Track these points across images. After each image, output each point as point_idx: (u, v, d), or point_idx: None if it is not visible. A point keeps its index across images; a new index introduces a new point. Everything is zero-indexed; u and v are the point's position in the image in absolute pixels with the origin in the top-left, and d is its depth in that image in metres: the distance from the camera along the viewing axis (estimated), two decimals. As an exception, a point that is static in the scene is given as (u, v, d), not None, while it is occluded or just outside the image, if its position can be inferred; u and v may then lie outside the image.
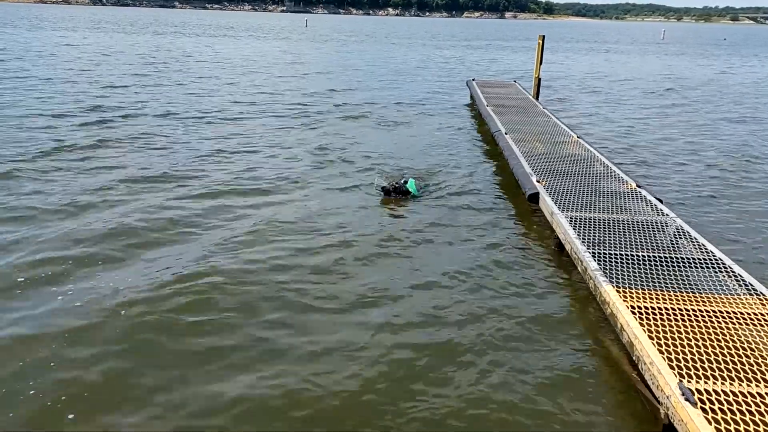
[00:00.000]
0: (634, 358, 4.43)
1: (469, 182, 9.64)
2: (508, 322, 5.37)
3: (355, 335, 5.05)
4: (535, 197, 7.83)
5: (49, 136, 11.45)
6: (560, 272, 6.43)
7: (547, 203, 7.39)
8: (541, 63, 16.95)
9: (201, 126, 13.27)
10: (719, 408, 3.59)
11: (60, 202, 7.84)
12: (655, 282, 5.28)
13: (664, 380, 3.87)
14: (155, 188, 8.66)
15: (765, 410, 3.58)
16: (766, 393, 3.75)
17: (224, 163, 10.26)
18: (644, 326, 4.51)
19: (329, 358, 4.72)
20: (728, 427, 3.42)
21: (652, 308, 4.80)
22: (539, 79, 17.06)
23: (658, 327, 4.51)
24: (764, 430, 3.41)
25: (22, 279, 5.76)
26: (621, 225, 6.67)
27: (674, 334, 4.42)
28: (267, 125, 13.71)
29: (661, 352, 4.17)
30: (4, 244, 6.49)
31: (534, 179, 8.24)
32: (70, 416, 3.98)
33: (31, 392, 4.16)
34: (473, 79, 20.20)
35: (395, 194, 8.51)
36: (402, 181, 8.82)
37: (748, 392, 3.75)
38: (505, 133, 11.15)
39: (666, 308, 4.81)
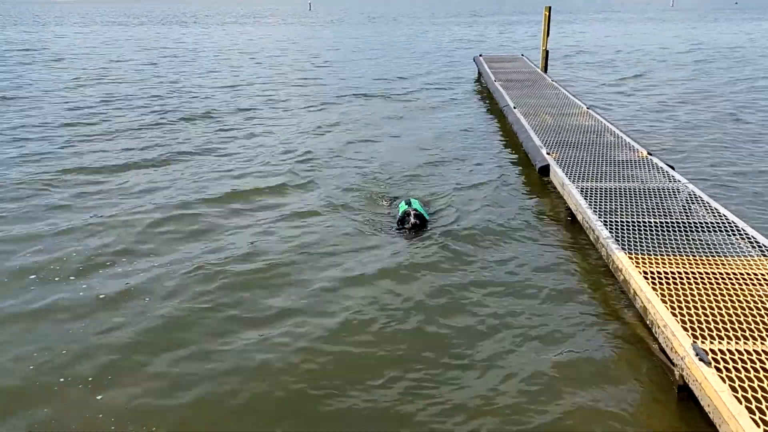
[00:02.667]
0: (647, 322, 4.46)
1: (479, 158, 9.64)
2: (521, 292, 5.42)
3: (364, 306, 5.15)
4: (545, 170, 7.83)
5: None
6: (573, 242, 6.46)
7: (558, 175, 7.39)
8: (548, 35, 16.80)
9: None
10: (734, 367, 3.62)
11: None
12: (667, 247, 5.29)
13: (678, 342, 3.90)
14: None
15: (778, 367, 3.62)
16: (780, 350, 3.78)
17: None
18: (657, 291, 4.54)
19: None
20: (743, 384, 3.46)
21: (665, 273, 4.82)
22: (547, 52, 16.92)
23: (671, 291, 4.53)
24: (778, 386, 3.45)
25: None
26: (632, 193, 6.67)
27: (687, 297, 4.45)
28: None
29: (674, 315, 4.20)
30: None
31: (544, 152, 8.23)
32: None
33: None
34: (480, 55, 20.06)
35: (419, 224, 6.72)
36: (404, 208, 6.95)
37: (762, 350, 3.78)
38: (514, 108, 11.12)
39: (679, 272, 4.83)
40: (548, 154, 8.14)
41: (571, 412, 3.92)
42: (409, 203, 7.07)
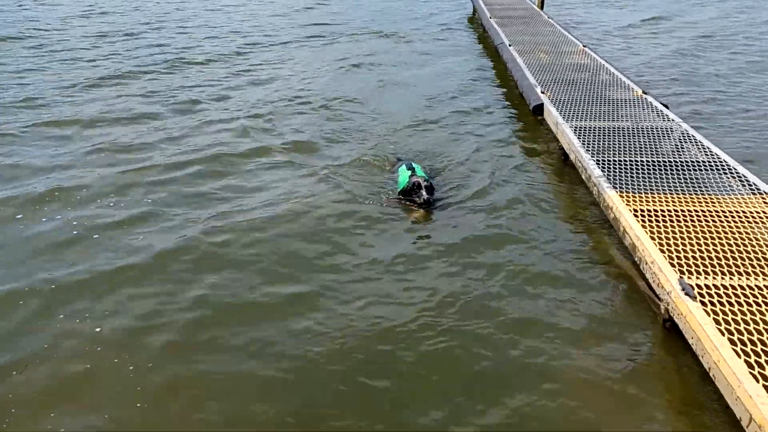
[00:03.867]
0: (636, 259, 4.53)
1: (472, 97, 9.52)
2: (510, 234, 5.44)
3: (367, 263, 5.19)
4: (539, 108, 7.77)
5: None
6: (565, 181, 6.47)
7: (551, 114, 7.33)
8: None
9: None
10: (718, 301, 3.71)
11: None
12: (658, 185, 5.32)
13: (665, 277, 3.97)
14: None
15: (761, 300, 3.70)
16: (764, 285, 3.86)
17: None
18: (646, 228, 4.59)
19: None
20: (726, 317, 3.55)
21: (655, 210, 4.86)
22: (544, -12, 16.48)
23: (660, 228, 4.59)
24: (761, 318, 3.54)
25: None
26: (625, 132, 6.65)
27: (676, 234, 4.50)
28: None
29: (662, 251, 4.27)
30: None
31: (538, 90, 8.14)
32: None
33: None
34: (475, -9, 19.52)
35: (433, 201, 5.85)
36: (406, 175, 6.10)
37: (747, 285, 3.87)
38: (509, 45, 10.92)
39: (668, 210, 4.87)
40: (542, 92, 8.06)
41: (558, 347, 4.00)
42: (411, 168, 6.17)
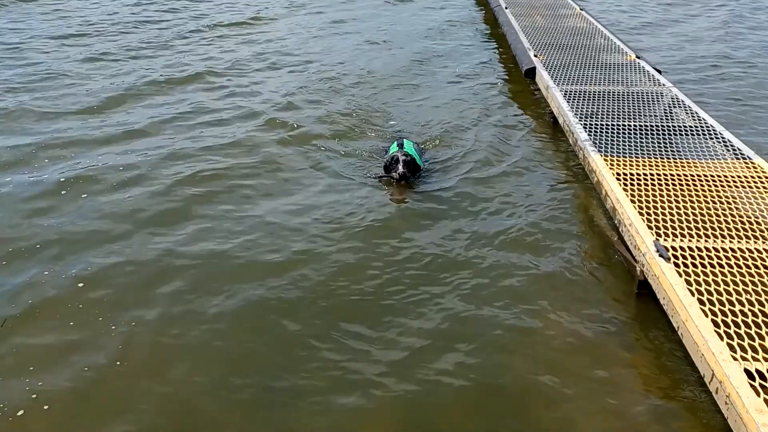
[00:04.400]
0: (616, 222, 4.58)
1: (465, 60, 9.43)
2: (497, 195, 5.48)
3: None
4: (531, 72, 7.73)
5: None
6: (553, 146, 6.48)
7: (543, 78, 7.30)
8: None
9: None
10: (691, 262, 3.76)
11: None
12: (643, 150, 5.34)
13: (641, 239, 4.02)
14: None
15: (734, 263, 3.76)
16: (737, 248, 3.92)
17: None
18: (627, 191, 4.62)
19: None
20: (698, 278, 3.61)
21: (638, 174, 4.89)
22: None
23: (641, 192, 4.62)
24: (731, 280, 3.60)
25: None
26: (616, 96, 6.63)
27: (656, 197, 4.54)
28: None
29: (641, 214, 4.31)
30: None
31: (531, 54, 8.08)
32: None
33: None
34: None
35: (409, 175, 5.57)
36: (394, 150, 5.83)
37: (721, 247, 3.91)
38: (505, 8, 10.79)
39: (651, 174, 4.90)
40: (536, 56, 8.00)
41: (535, 310, 4.05)
42: (401, 145, 5.90)
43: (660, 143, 5.47)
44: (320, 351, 3.69)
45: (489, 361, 3.64)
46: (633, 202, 4.47)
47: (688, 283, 3.57)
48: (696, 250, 3.89)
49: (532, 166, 6.02)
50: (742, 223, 4.21)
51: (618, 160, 5.13)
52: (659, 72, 7.49)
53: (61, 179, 5.58)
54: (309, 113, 7.28)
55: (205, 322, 3.93)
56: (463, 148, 6.39)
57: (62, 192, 5.40)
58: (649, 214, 4.31)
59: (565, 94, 6.69)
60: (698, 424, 3.22)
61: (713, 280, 3.60)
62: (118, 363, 3.59)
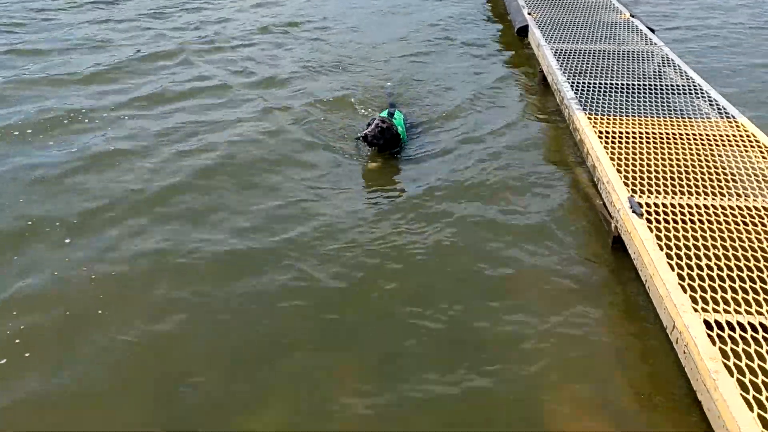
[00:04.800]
0: (595, 179, 4.61)
1: (457, 18, 9.27)
2: (479, 148, 5.54)
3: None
4: (524, 30, 7.68)
5: None
6: (541, 105, 6.47)
7: (535, 36, 7.25)
8: None
9: None
10: (663, 219, 3.81)
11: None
12: (628, 108, 5.34)
13: (616, 196, 4.06)
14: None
15: (705, 219, 3.81)
16: (711, 205, 3.96)
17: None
18: (608, 149, 4.64)
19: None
20: (668, 234, 3.66)
21: (620, 132, 4.90)
22: None
23: (622, 149, 4.64)
24: (701, 235, 3.66)
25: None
26: (606, 55, 6.59)
27: (636, 155, 4.56)
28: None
29: (618, 171, 4.34)
30: None
31: (525, 12, 8.00)
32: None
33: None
34: None
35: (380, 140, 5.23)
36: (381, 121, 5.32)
37: (695, 204, 3.96)
38: (503, -35, 10.61)
39: (634, 132, 4.91)
40: (529, 14, 7.92)
41: (511, 260, 4.13)
42: (391, 115, 5.59)
43: (646, 102, 5.46)
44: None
45: (463, 311, 3.71)
46: (612, 159, 4.49)
47: (659, 238, 3.62)
48: (670, 206, 3.93)
49: (518, 125, 6.01)
50: (719, 181, 4.25)
51: (602, 119, 5.14)
52: (653, 31, 7.42)
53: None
54: (309, 82, 7.05)
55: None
56: (450, 107, 6.36)
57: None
58: (627, 171, 4.34)
59: (556, 52, 6.65)
60: (657, 371, 3.31)
61: (683, 235, 3.65)
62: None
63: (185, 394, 3.17)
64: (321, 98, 6.54)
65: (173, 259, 4.13)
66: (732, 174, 4.33)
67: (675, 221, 3.78)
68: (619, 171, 4.35)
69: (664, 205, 3.95)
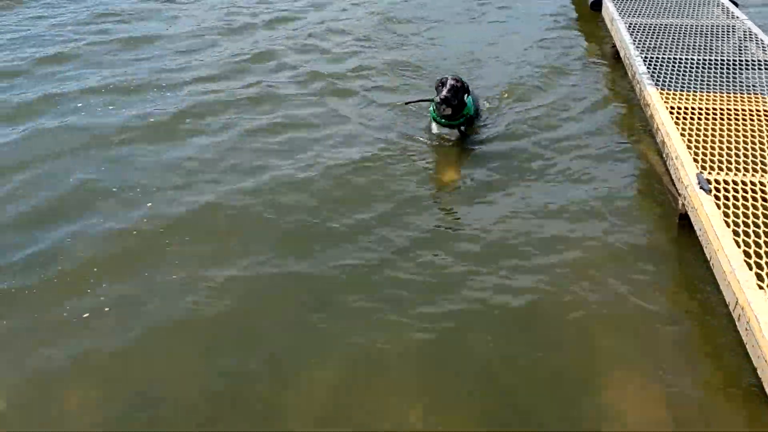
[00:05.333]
0: (664, 155, 4.54)
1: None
2: (553, 123, 5.53)
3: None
4: (598, 4, 7.51)
5: None
6: (612, 79, 6.35)
7: (609, 9, 7.08)
8: None
9: None
10: (733, 195, 3.73)
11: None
12: (702, 84, 5.19)
13: (685, 172, 4.00)
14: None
15: (775, 197, 3.71)
16: (783, 183, 3.85)
17: None
18: (679, 125, 4.55)
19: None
20: (737, 211, 3.59)
21: (692, 108, 4.79)
22: None
23: (693, 125, 4.54)
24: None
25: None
26: (683, 30, 6.39)
27: (707, 131, 4.45)
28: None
29: (689, 147, 4.26)
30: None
31: (600, -15, 7.80)
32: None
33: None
34: None
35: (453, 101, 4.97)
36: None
37: (766, 182, 3.85)
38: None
39: (707, 108, 4.79)
40: (604, -13, 7.72)
41: (576, 238, 4.12)
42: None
43: (723, 77, 5.29)
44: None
45: (525, 285, 3.75)
46: (683, 135, 4.41)
47: (726, 215, 3.56)
48: (740, 183, 3.85)
49: (591, 102, 5.90)
50: (794, 159, 4.11)
51: (674, 94, 5.02)
52: (736, 5, 7.10)
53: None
54: (362, 54, 7.17)
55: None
56: (516, 82, 6.30)
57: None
58: (697, 147, 4.25)
59: (629, 26, 6.49)
60: (718, 349, 3.29)
61: (752, 213, 3.57)
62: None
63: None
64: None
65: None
66: (808, 152, 4.18)
67: (744, 198, 3.71)
68: (689, 147, 4.26)
69: (734, 182, 3.87)
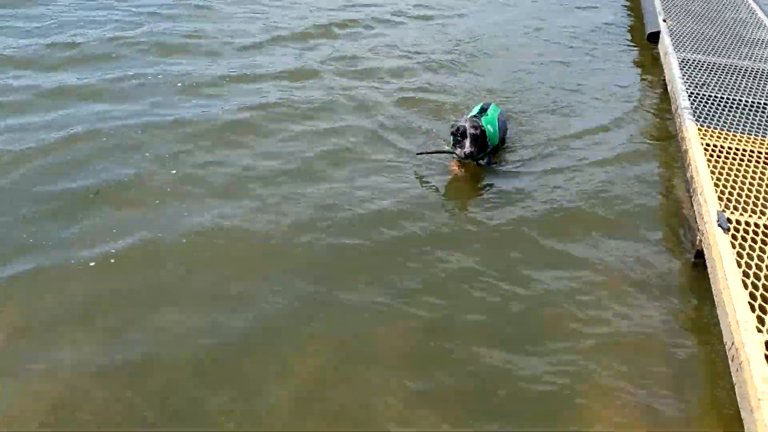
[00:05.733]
0: (690, 190, 4.44)
1: (587, 19, 8.92)
2: (584, 145, 5.52)
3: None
4: (654, 36, 7.38)
5: None
6: (656, 112, 6.25)
7: (664, 43, 6.94)
8: None
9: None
10: (751, 237, 3.65)
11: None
12: (743, 125, 5.06)
13: (707, 208, 3.91)
14: None
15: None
16: (808, 232, 3.72)
17: None
18: (710, 162, 4.45)
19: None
20: (751, 253, 3.51)
21: (727, 148, 4.67)
22: None
23: (724, 164, 4.44)
24: (785, 259, 3.46)
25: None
26: (735, 70, 6.22)
27: (738, 172, 4.35)
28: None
29: (716, 185, 4.16)
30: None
31: (660, 18, 7.67)
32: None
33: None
34: None
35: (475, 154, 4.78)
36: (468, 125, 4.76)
37: (788, 228, 3.74)
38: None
39: (742, 150, 4.66)
40: (664, 21, 7.59)
41: (585, 261, 4.09)
42: (484, 111, 5.17)
43: (763, 121, 5.15)
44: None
45: (533, 293, 3.77)
46: (712, 173, 4.30)
47: (740, 255, 3.47)
48: (760, 226, 3.74)
49: (625, 131, 5.82)
50: (820, 207, 3.97)
51: (713, 132, 4.91)
52: (796, 52, 6.89)
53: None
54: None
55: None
56: (564, 113, 6.16)
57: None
58: (725, 186, 4.15)
59: (682, 61, 6.35)
60: (709, 388, 3.21)
61: (767, 256, 3.47)
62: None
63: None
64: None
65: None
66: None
67: (761, 241, 3.60)
68: (716, 185, 4.16)
69: (756, 225, 3.76)
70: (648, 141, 5.72)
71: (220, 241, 4.01)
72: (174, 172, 4.67)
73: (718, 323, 3.43)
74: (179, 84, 6.00)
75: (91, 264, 3.72)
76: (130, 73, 6.08)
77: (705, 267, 3.79)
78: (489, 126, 5.00)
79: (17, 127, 5.06)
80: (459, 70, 6.96)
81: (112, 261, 3.77)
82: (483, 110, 5.24)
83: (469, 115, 5.15)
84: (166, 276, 3.73)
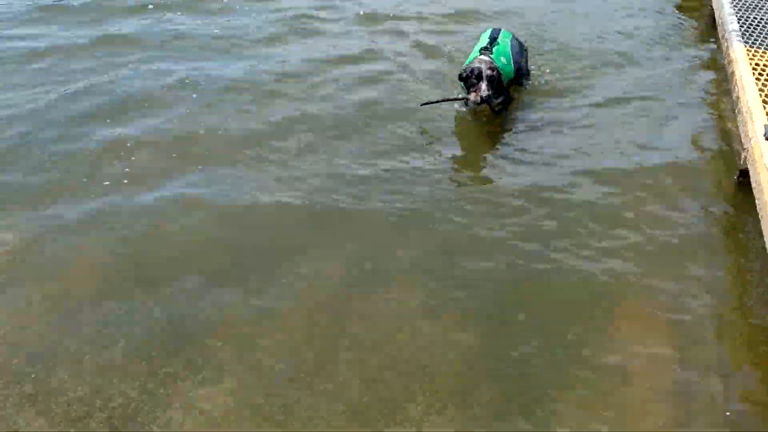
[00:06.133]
0: (736, 110, 4.23)
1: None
2: (640, 76, 5.32)
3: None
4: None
5: None
6: (705, 42, 5.94)
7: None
8: None
9: None
10: (799, 151, 3.43)
11: None
12: (796, 45, 4.76)
13: (752, 125, 3.71)
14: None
15: None
16: None
17: None
18: (760, 81, 4.21)
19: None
20: (799, 164, 3.30)
21: (778, 67, 4.41)
22: None
23: (773, 84, 4.19)
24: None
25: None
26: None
27: (788, 90, 4.10)
28: None
29: (765, 103, 3.93)
30: None
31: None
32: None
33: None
34: None
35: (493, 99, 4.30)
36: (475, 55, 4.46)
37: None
38: None
39: (795, 68, 4.39)
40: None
41: (635, 195, 3.91)
42: (494, 39, 4.56)
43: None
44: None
45: (575, 245, 3.52)
46: (761, 91, 4.07)
47: (787, 166, 3.28)
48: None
49: (678, 63, 5.55)
50: None
51: (762, 53, 4.64)
52: None
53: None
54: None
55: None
56: (610, 33, 5.95)
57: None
58: (772, 104, 3.93)
59: (730, -13, 6.00)
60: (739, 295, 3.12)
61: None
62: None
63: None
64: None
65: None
66: None
67: (815, 160, 3.39)
68: (765, 102, 3.94)
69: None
70: (692, 70, 5.45)
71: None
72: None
73: (754, 237, 3.34)
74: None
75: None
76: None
77: (749, 186, 3.61)
78: (502, 58, 4.46)
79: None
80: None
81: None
82: (493, 40, 4.60)
83: (477, 46, 4.63)
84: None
